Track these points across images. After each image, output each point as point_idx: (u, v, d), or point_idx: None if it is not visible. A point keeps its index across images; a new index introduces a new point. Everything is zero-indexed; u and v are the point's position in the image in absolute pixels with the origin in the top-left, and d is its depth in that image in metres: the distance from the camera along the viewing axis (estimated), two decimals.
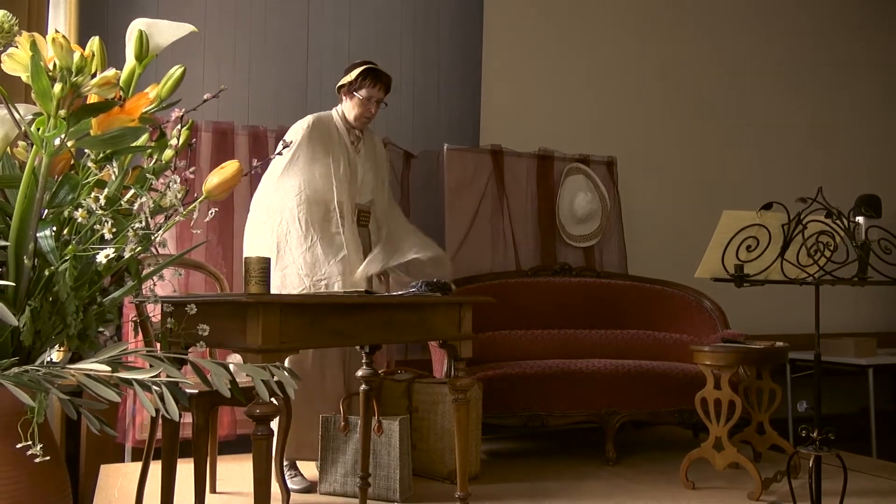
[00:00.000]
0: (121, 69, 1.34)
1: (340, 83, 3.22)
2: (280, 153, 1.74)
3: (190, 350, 1.74)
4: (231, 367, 1.27)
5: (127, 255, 1.17)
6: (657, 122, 5.00)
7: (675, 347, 4.04)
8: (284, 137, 3.17)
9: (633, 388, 3.53)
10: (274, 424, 2.65)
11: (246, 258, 2.01)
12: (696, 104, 5.13)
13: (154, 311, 2.15)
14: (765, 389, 3.35)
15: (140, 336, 2.22)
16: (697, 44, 5.18)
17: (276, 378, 1.45)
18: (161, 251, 1.44)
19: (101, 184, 1.33)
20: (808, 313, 2.60)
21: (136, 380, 1.08)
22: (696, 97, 5.14)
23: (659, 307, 4.22)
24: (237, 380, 1.34)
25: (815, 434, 2.30)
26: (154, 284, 1.48)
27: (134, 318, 1.72)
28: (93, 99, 1.27)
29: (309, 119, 3.19)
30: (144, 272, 1.35)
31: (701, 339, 3.95)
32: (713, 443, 3.03)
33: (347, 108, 3.22)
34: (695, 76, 5.15)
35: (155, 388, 1.11)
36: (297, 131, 3.16)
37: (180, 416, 1.72)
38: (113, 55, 1.40)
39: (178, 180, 1.32)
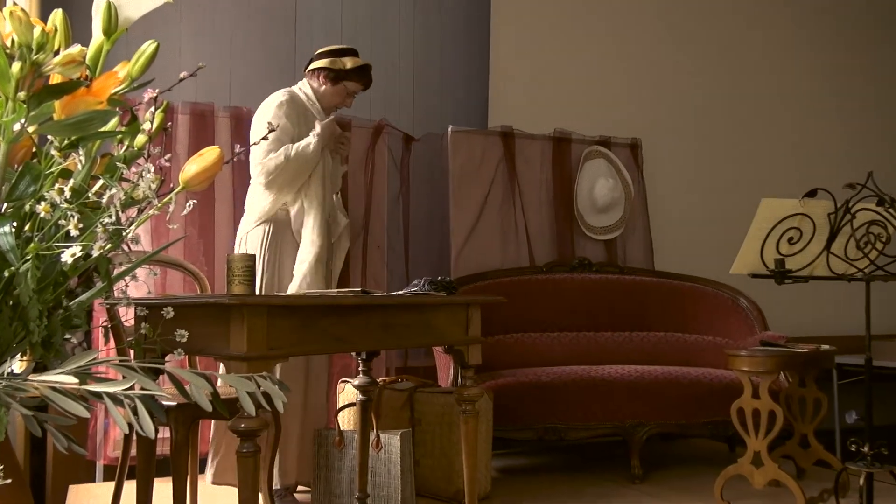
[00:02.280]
0: (87, 45, 1.33)
1: (323, 66, 3.21)
2: (266, 138, 1.74)
3: (167, 358, 1.74)
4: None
5: (95, 253, 1.17)
6: (686, 99, 4.97)
7: (709, 351, 4.04)
8: (255, 117, 3.18)
9: (661, 396, 3.53)
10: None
11: (229, 256, 2.01)
12: (729, 79, 5.10)
13: (127, 315, 2.16)
14: (809, 398, 3.34)
15: (112, 343, 2.23)
16: (731, 13, 5.15)
17: (262, 389, 1.45)
18: (133, 248, 1.44)
19: (66, 174, 1.33)
20: (857, 312, 2.59)
21: (107, 393, 1.08)
22: (730, 72, 5.11)
23: (689, 306, 4.21)
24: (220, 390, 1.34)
25: (865, 448, 2.29)
26: (126, 285, 1.48)
27: (104, 323, 1.72)
28: (56, 79, 1.26)
29: (280, 96, 3.15)
30: (115, 272, 1.35)
31: (737, 342, 3.95)
32: (751, 458, 3.02)
33: (323, 93, 3.24)
34: (729, 48, 5.12)
35: (128, 401, 1.11)
36: (268, 110, 3.12)
37: (157, 431, 1.71)
38: (78, 30, 1.39)
39: (152, 169, 1.32)
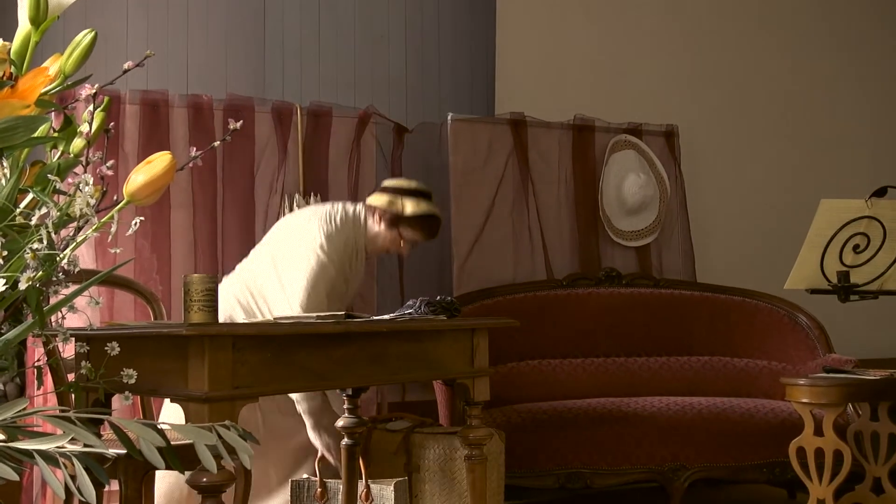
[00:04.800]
0: (12, 37, 1.34)
1: (378, 205, 3.19)
2: (225, 139, 1.74)
3: (115, 398, 1.74)
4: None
5: (23, 285, 1.17)
6: (732, 77, 4.97)
7: (762, 378, 4.04)
8: (293, 238, 3.20)
9: (706, 434, 3.53)
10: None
11: (186, 277, 2.01)
12: (785, 54, 5.09)
13: (65, 349, 2.16)
14: (882, 434, 3.33)
15: (48, 386, 2.23)
16: None
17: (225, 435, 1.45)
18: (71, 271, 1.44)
19: None
20: None
21: (39, 451, 1.08)
22: (786, 46, 5.10)
23: (739, 325, 4.20)
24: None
25: None
26: (63, 317, 1.48)
27: (37, 363, 1.72)
28: None
29: (330, 224, 3.15)
30: (49, 304, 1.35)
31: (796, 368, 3.94)
32: None
33: (375, 234, 3.22)
34: (783, 17, 5.11)
35: (65, 461, 1.11)
36: (312, 241, 3.12)
37: (103, 485, 1.70)
38: (2, 18, 1.39)
39: (91, 181, 1.32)
